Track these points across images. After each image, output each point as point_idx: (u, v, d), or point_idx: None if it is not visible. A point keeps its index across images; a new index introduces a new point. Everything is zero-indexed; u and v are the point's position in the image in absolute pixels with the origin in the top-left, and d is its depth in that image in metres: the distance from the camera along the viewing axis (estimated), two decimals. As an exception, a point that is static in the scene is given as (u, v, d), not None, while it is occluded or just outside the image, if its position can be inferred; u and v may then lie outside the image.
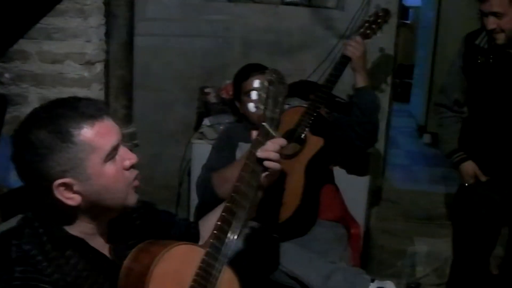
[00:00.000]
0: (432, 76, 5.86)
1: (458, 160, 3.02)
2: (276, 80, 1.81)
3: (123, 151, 1.57)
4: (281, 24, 3.95)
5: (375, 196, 4.23)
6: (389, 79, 3.94)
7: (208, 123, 3.56)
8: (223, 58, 3.98)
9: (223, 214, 1.65)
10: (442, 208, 4.32)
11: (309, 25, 3.92)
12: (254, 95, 1.78)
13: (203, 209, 2.33)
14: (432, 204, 4.37)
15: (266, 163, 1.72)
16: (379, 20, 2.90)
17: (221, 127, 3.37)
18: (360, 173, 3.38)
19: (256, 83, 1.81)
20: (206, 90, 3.74)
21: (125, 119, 2.60)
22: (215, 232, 1.64)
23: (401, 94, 8.03)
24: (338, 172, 3.16)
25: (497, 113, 2.83)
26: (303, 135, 2.66)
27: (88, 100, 1.56)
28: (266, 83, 1.79)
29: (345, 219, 2.96)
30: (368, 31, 2.87)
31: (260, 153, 1.71)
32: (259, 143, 1.72)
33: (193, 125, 3.90)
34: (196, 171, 3.05)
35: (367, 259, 4.02)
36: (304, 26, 3.93)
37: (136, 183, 1.62)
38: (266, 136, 1.74)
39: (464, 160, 2.99)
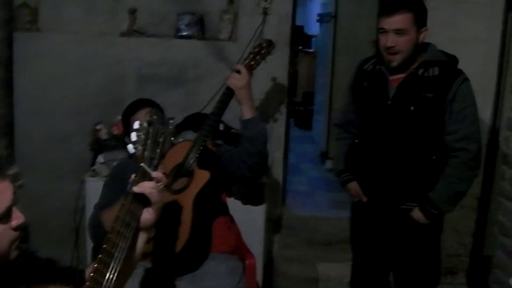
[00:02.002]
0: (331, 102, 5.98)
1: (344, 181, 3.12)
2: (157, 120, 1.81)
3: (13, 210, 1.57)
4: (175, 57, 3.97)
5: (276, 224, 4.26)
6: (283, 108, 3.99)
7: (102, 160, 3.51)
8: (117, 93, 3.95)
9: (100, 256, 1.62)
10: (343, 232, 4.37)
11: (203, 57, 3.95)
12: (133, 136, 1.77)
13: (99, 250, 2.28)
14: (334, 229, 4.44)
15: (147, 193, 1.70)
16: (263, 51, 2.93)
17: (114, 164, 3.32)
18: (256, 203, 3.40)
19: (136, 125, 1.79)
20: (98, 126, 3.69)
21: (7, 160, 2.51)
22: (92, 274, 1.59)
23: (305, 121, 8.22)
24: (234, 203, 3.18)
25: (375, 136, 2.92)
26: (190, 169, 2.65)
27: None
28: (145, 124, 1.79)
29: (239, 250, 2.95)
30: (252, 62, 2.89)
31: (136, 188, 1.68)
32: (136, 184, 1.70)
33: (90, 162, 3.83)
34: (91, 210, 2.98)
35: (270, 287, 4.04)
36: (197, 59, 3.96)
37: (17, 242, 1.60)
38: (143, 177, 1.72)
39: (349, 180, 3.08)
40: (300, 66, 9.11)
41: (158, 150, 1.79)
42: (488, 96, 3.77)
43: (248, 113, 2.76)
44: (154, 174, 1.74)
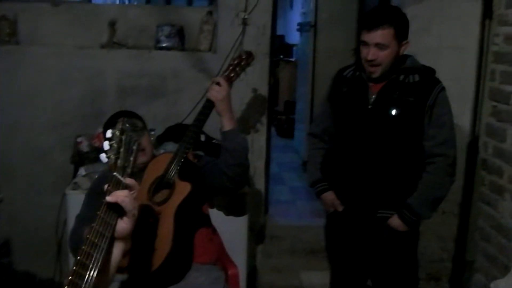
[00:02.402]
0: (312, 111, 5.99)
1: (319, 191, 3.09)
2: (129, 129, 1.81)
3: None
4: (155, 68, 3.98)
5: (259, 234, 4.27)
6: (263, 119, 4.00)
7: (84, 173, 3.50)
8: (98, 105, 3.95)
9: (74, 268, 1.60)
10: (326, 240, 4.41)
11: (183, 68, 3.97)
12: (105, 145, 1.76)
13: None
14: (316, 237, 4.43)
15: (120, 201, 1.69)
16: (242, 63, 2.94)
17: (96, 176, 3.31)
18: (238, 213, 3.41)
19: (108, 133, 1.79)
20: (79, 139, 3.68)
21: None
22: (66, 287, 1.58)
23: (287, 130, 8.24)
24: (216, 214, 3.17)
25: (353, 143, 2.92)
26: (171, 181, 2.65)
27: None
28: (118, 133, 1.79)
29: (222, 260, 2.95)
30: (232, 74, 2.90)
31: (109, 198, 1.67)
32: (110, 193, 1.70)
33: (71, 174, 3.82)
34: (72, 223, 2.97)
35: (255, 297, 4.05)
36: (178, 70, 3.97)
37: None
38: (117, 186, 1.71)
39: (325, 190, 3.07)
40: (281, 75, 9.14)
41: (131, 158, 1.79)
42: (467, 103, 3.80)
43: (227, 125, 2.76)
44: (128, 181, 1.74)
